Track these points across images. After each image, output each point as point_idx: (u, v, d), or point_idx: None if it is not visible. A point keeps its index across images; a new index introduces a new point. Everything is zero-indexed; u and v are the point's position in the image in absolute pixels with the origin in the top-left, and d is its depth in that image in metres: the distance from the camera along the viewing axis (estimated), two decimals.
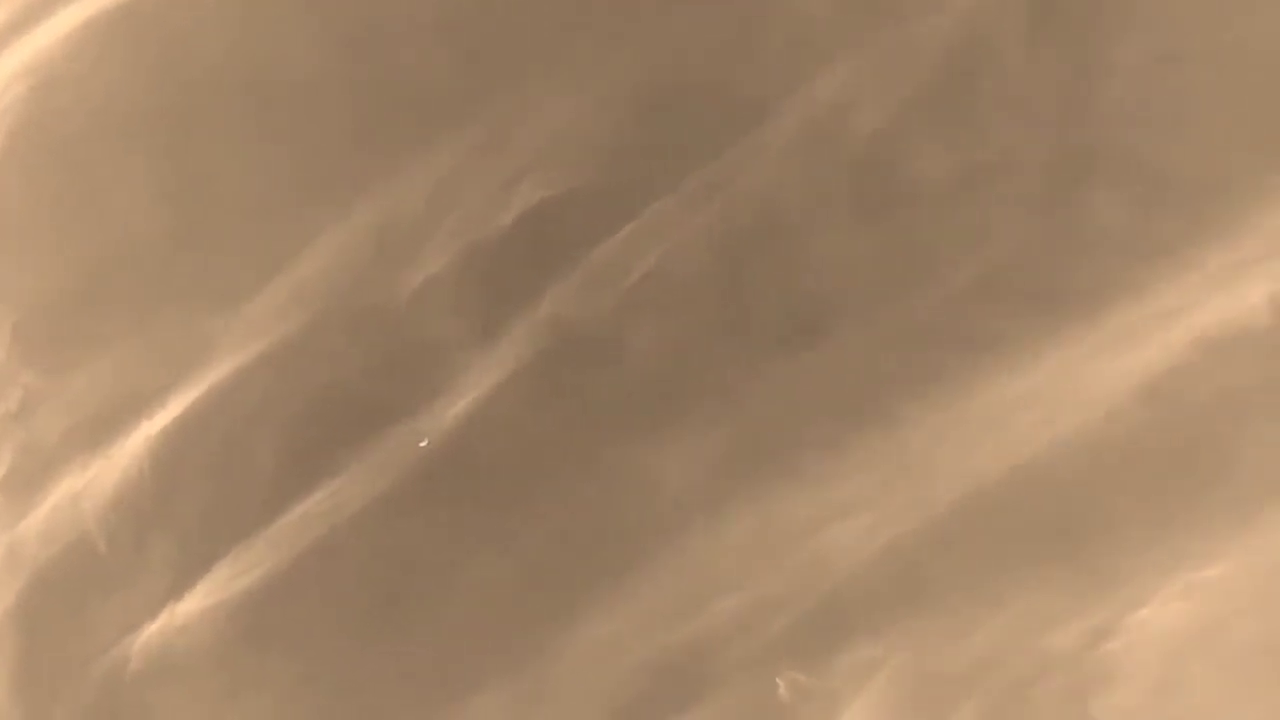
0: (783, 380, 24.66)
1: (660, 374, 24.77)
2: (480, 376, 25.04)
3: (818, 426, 24.59)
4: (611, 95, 25.99)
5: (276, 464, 25.30)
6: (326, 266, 25.79)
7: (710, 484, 24.42)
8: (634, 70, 25.88)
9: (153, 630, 24.54)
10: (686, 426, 24.56)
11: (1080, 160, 24.54)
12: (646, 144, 25.87)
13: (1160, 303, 24.26)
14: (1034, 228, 24.50)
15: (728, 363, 24.74)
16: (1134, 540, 23.90)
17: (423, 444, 25.84)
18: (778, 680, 23.55)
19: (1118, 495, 24.06)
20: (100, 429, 25.86)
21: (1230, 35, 24.08)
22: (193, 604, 24.68)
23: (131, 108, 27.09)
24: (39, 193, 26.58)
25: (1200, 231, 23.92)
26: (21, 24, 27.31)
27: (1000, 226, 24.42)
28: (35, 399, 25.85)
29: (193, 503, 25.32)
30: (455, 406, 24.87)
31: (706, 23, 26.09)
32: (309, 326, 25.58)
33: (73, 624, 24.74)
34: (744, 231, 25.33)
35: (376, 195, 26.09)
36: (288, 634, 24.43)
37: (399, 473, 24.83)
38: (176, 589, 25.08)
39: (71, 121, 26.63)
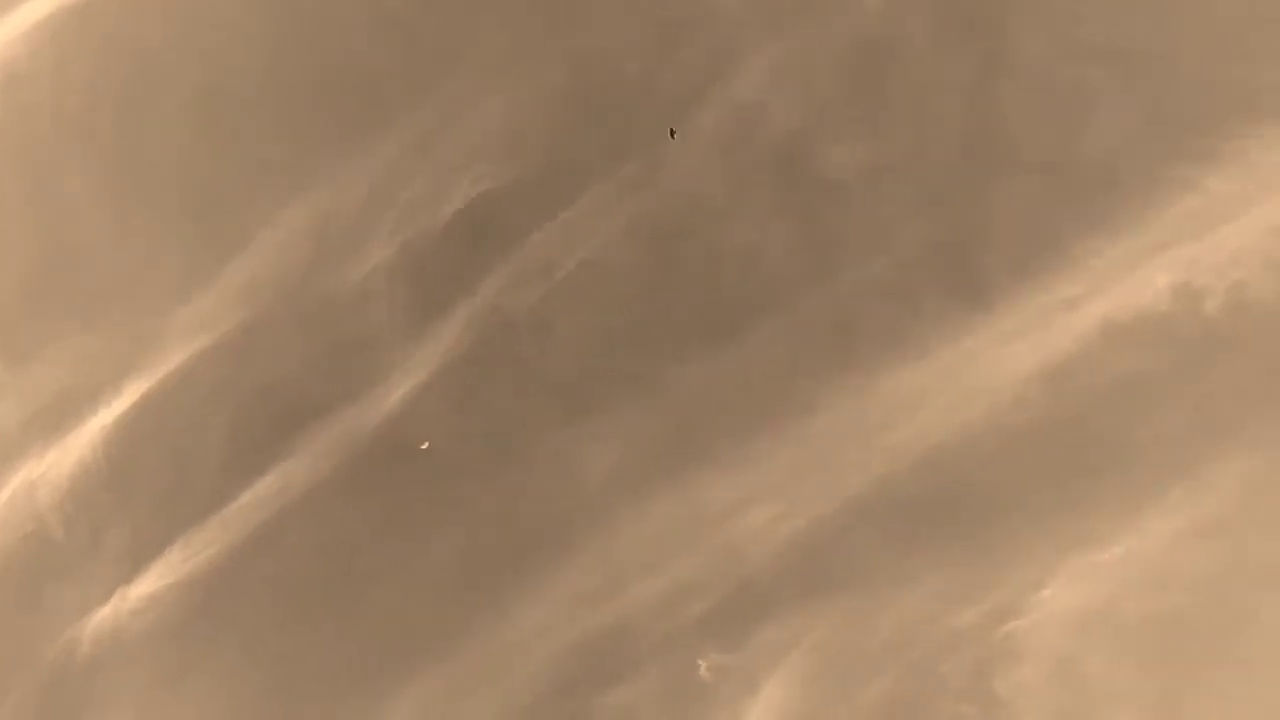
0: (703, 370, 24.93)
1: (587, 365, 25.17)
2: (416, 366, 25.47)
3: (736, 415, 24.74)
4: (543, 92, 26.35)
5: (225, 452, 25.63)
6: (270, 261, 26.05)
7: (633, 471, 24.74)
8: (564, 68, 26.33)
9: (105, 614, 24.66)
10: (611, 415, 24.87)
11: (984, 155, 24.47)
12: (577, 139, 26.27)
13: (1065, 290, 24.41)
14: (941, 219, 24.68)
15: (651, 353, 24.95)
16: (1036, 522, 24.28)
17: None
18: (699, 661, 23.23)
19: (1022, 479, 24.23)
20: (56, 419, 26.20)
21: (1127, 35, 24.10)
22: (144, 588, 25.02)
23: (88, 107, 27.01)
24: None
25: (1102, 222, 24.13)
26: None
27: (909, 219, 24.70)
28: None
29: (146, 490, 25.61)
30: (392, 396, 25.22)
31: (632, 23, 26.34)
32: (254, 319, 25.90)
33: (29, 610, 25.02)
34: (667, 225, 25.59)
35: (319, 191, 26.39)
36: (235, 616, 24.81)
37: (338, 461, 25.21)
38: (129, 574, 24.96)
39: (33, 121, 26.65)
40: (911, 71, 25.36)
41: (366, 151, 27.01)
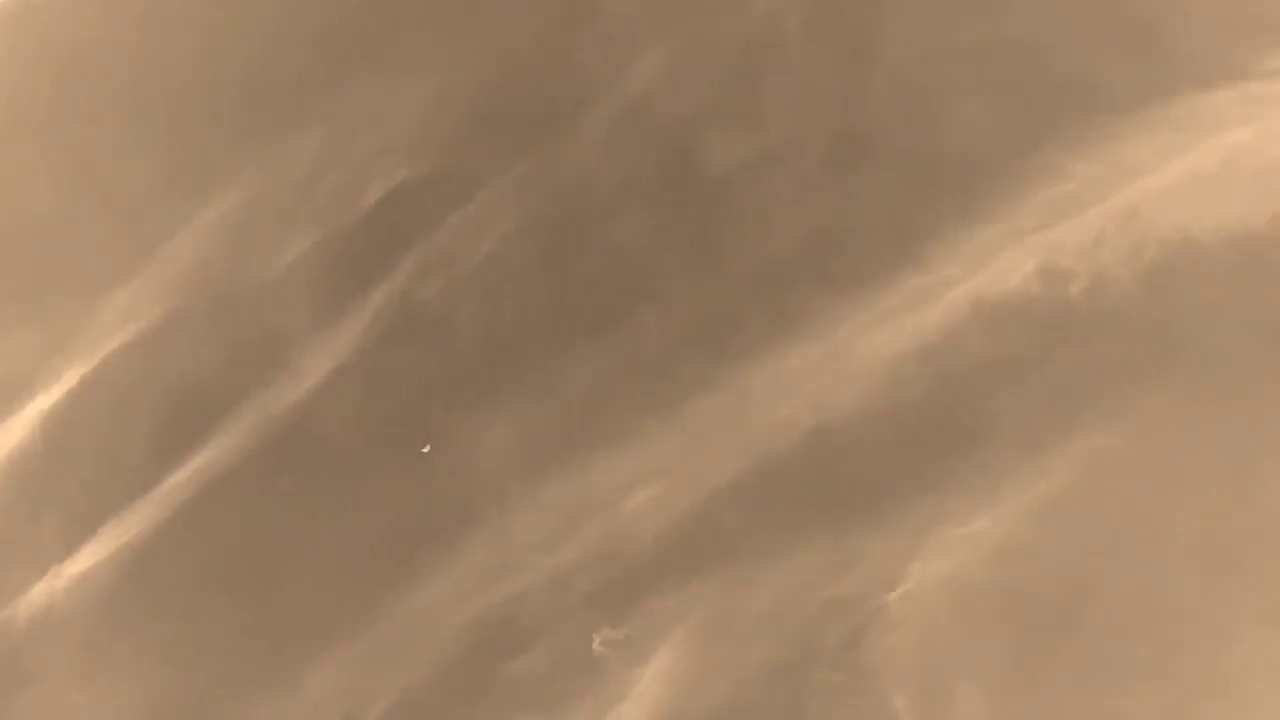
0: (592, 358, 25.56)
1: (484, 353, 25.80)
2: (327, 355, 26.15)
3: (623, 400, 25.42)
4: (449, 90, 26.74)
5: (152, 437, 26.41)
6: (193, 253, 26.86)
7: (527, 455, 25.46)
8: (469, 66, 26.79)
9: (40, 590, 25.20)
10: (507, 403, 25.59)
11: (858, 148, 24.99)
12: (480, 136, 27.00)
13: (938, 273, 24.91)
14: (818, 210, 25.28)
15: (545, 342, 25.66)
16: (905, 498, 24.87)
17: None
18: (593, 635, 23.94)
19: (893, 456, 24.80)
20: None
21: (989, 31, 24.48)
22: (77, 566, 25.54)
23: (28, 105, 27.43)
24: None
25: (972, 208, 24.69)
26: None
27: (787, 209, 25.19)
28: None
29: (79, 474, 26.30)
30: (305, 384, 25.93)
31: (530, 22, 26.75)
32: (177, 310, 26.71)
33: None
34: (561, 217, 26.25)
35: (240, 186, 27.09)
36: (163, 592, 25.63)
37: (256, 445, 25.94)
38: (63, 553, 25.46)
39: None
40: (790, 69, 25.81)
41: (285, 147, 27.13)
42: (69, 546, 25.59)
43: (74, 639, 25.40)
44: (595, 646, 23.93)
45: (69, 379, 26.10)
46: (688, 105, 25.74)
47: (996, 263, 25.02)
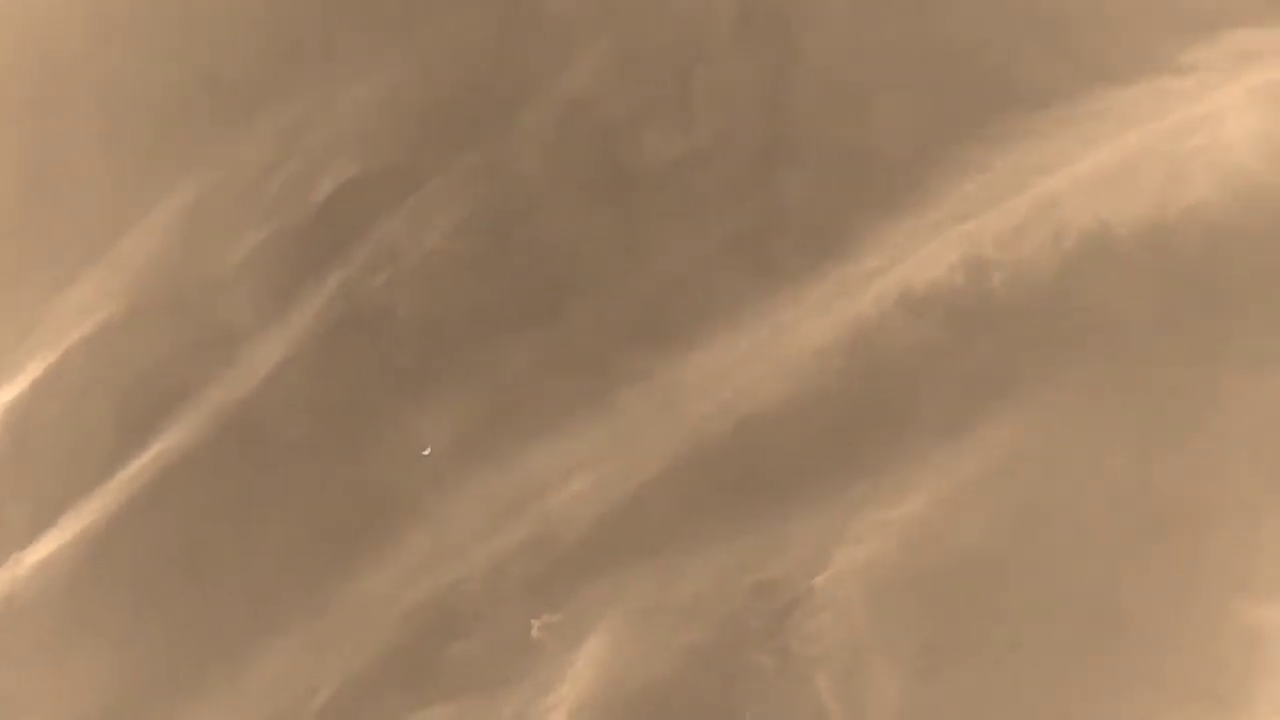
0: (529, 351, 26.08)
1: (425, 345, 26.40)
2: (276, 348, 26.67)
3: (558, 391, 26.04)
4: (395, 88, 27.28)
5: (111, 429, 27.13)
6: (149, 249, 27.51)
7: (465, 446, 25.72)
8: (413, 66, 27.27)
9: (1, 578, 25.56)
10: (446, 394, 26.06)
11: (783, 143, 25.43)
12: (424, 135, 27.40)
13: (865, 265, 25.39)
14: (746, 205, 25.83)
15: (483, 336, 26.22)
16: (834, 483, 25.29)
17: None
18: (532, 621, 24.34)
19: (822, 443, 25.21)
20: None
21: (911, 31, 24.90)
22: (39, 554, 26.02)
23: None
24: None
25: (895, 201, 25.27)
26: None
27: (717, 204, 25.65)
28: None
29: (42, 464, 26.69)
30: (255, 376, 26.37)
31: (472, 23, 27.19)
32: (132, 306, 27.20)
33: None
34: (501, 213, 26.82)
35: (195, 183, 27.72)
36: (119, 580, 26.25)
37: (206, 437, 26.49)
38: (25, 541, 26.02)
39: None
40: (719, 69, 26.27)
41: (239, 145, 27.85)
42: (31, 534, 26.04)
43: (35, 626, 25.73)
44: (534, 633, 24.06)
45: (32, 370, 26.79)
46: (622, 104, 26.11)
47: (921, 253, 25.35)
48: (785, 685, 23.81)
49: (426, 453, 26.28)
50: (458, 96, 27.64)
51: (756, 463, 25.40)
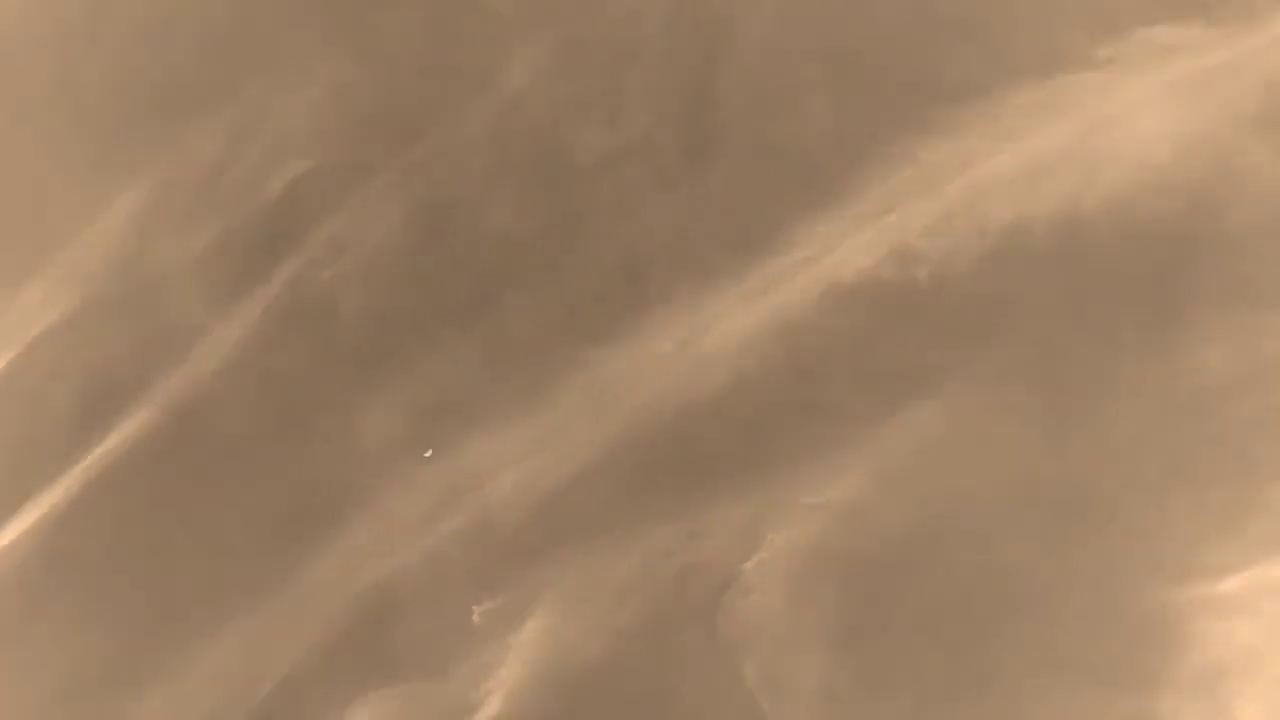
0: (466, 344, 26.61)
1: (368, 339, 26.90)
2: (223, 343, 27.41)
3: (496, 383, 26.62)
4: (339, 87, 27.72)
5: (68, 422, 27.69)
6: (104, 246, 28.07)
7: (406, 436, 26.07)
8: (356, 65, 27.79)
9: None
10: (388, 386, 26.55)
11: (712, 140, 25.92)
12: (368, 131, 28.05)
13: (794, 256, 25.91)
14: (678, 198, 26.34)
15: (423, 327, 26.69)
16: (763, 469, 25.83)
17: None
18: (473, 607, 24.95)
19: (753, 430, 25.84)
20: None
21: (837, 30, 25.55)
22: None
23: None
24: None
25: (823, 195, 25.97)
26: None
27: (647, 199, 26.19)
28: None
29: (2, 458, 26.78)
30: (204, 371, 27.07)
31: (413, 23, 27.68)
32: (90, 300, 27.91)
33: None
34: (441, 209, 27.28)
35: (148, 181, 28.09)
36: (74, 571, 27.00)
37: (158, 430, 27.06)
38: None
39: None
40: (650, 68, 26.72)
41: (190, 145, 28.39)
42: None
43: None
44: (475, 618, 24.52)
45: None
46: (557, 101, 26.64)
47: (849, 245, 25.79)
48: (714, 665, 24.33)
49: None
50: (401, 95, 28.08)
51: (688, 450, 25.77)
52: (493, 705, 25.49)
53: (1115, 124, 24.93)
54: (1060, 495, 23.48)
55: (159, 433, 27.17)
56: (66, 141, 28.38)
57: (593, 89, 26.82)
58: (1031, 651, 23.49)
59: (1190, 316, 23.55)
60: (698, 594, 25.55)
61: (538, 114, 27.08)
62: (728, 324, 25.96)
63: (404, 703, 25.81)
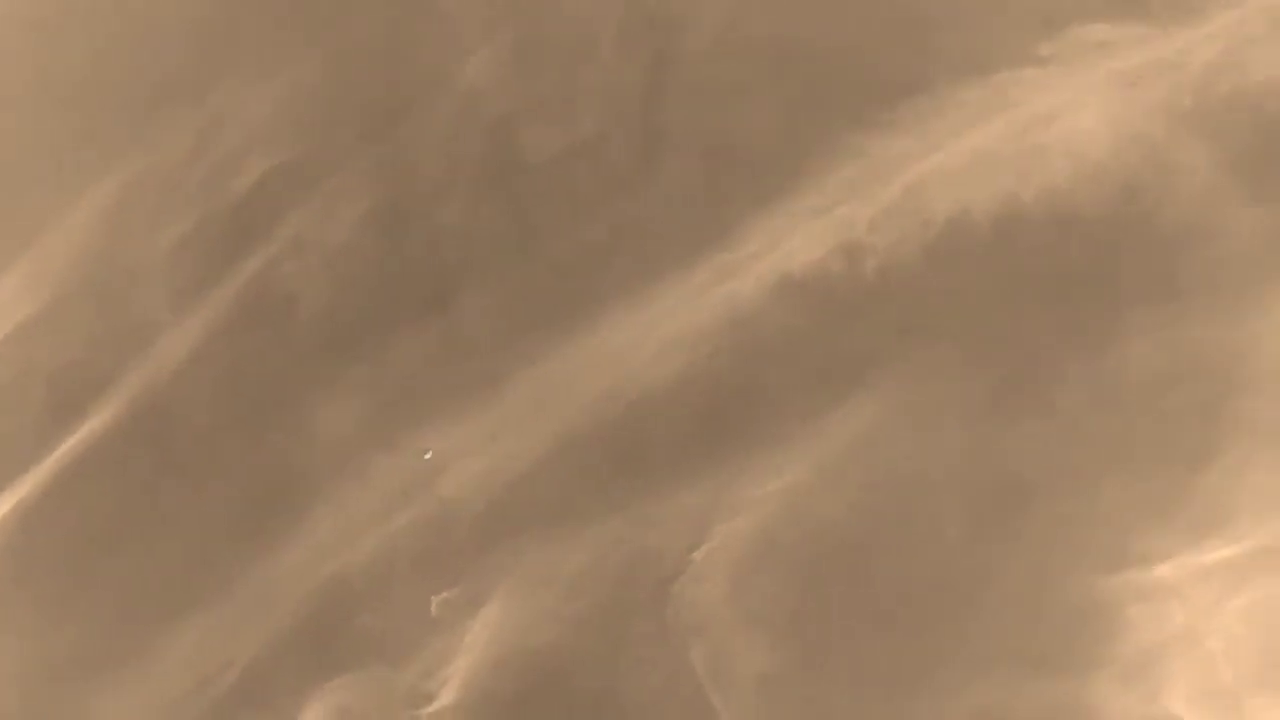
0: (425, 338, 27.21)
1: (327, 335, 27.58)
2: (186, 340, 28.13)
3: (453, 376, 27.09)
4: (301, 87, 28.26)
5: (36, 419, 28.03)
6: (71, 245, 28.51)
7: (363, 430, 26.74)
8: (317, 65, 28.45)
9: None
10: (345, 382, 27.20)
11: (662, 137, 26.45)
12: (329, 129, 28.67)
13: (744, 250, 26.52)
14: (629, 194, 26.91)
15: (380, 323, 27.27)
16: (713, 461, 26.34)
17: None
18: (431, 598, 25.53)
19: (704, 422, 26.53)
20: None
21: (784, 31, 26.13)
22: None
23: None
24: None
25: (772, 189, 26.42)
26: None
27: (601, 195, 26.64)
28: None
29: None
30: (166, 367, 27.91)
31: (371, 24, 28.27)
32: (58, 298, 28.42)
33: None
34: (398, 205, 27.79)
35: (114, 180, 28.78)
36: (37, 565, 27.62)
37: (122, 427, 27.32)
38: None
39: None
40: (601, 67, 27.06)
41: (157, 145, 28.93)
42: None
43: None
44: (433, 609, 25.10)
45: None
46: (511, 100, 27.14)
47: (799, 239, 26.20)
48: (663, 652, 24.75)
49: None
50: (361, 94, 28.58)
51: (640, 442, 26.24)
52: (449, 693, 25.96)
53: (1054, 119, 25.20)
54: (996, 484, 23.87)
55: (125, 428, 27.55)
56: (34, 139, 28.86)
57: (546, 88, 27.19)
58: (967, 637, 23.70)
59: (1120, 310, 23.95)
60: (648, 583, 25.88)
61: (493, 113, 27.43)
62: (679, 318, 26.23)
63: (363, 690, 26.22)
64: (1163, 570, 23.35)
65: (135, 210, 28.93)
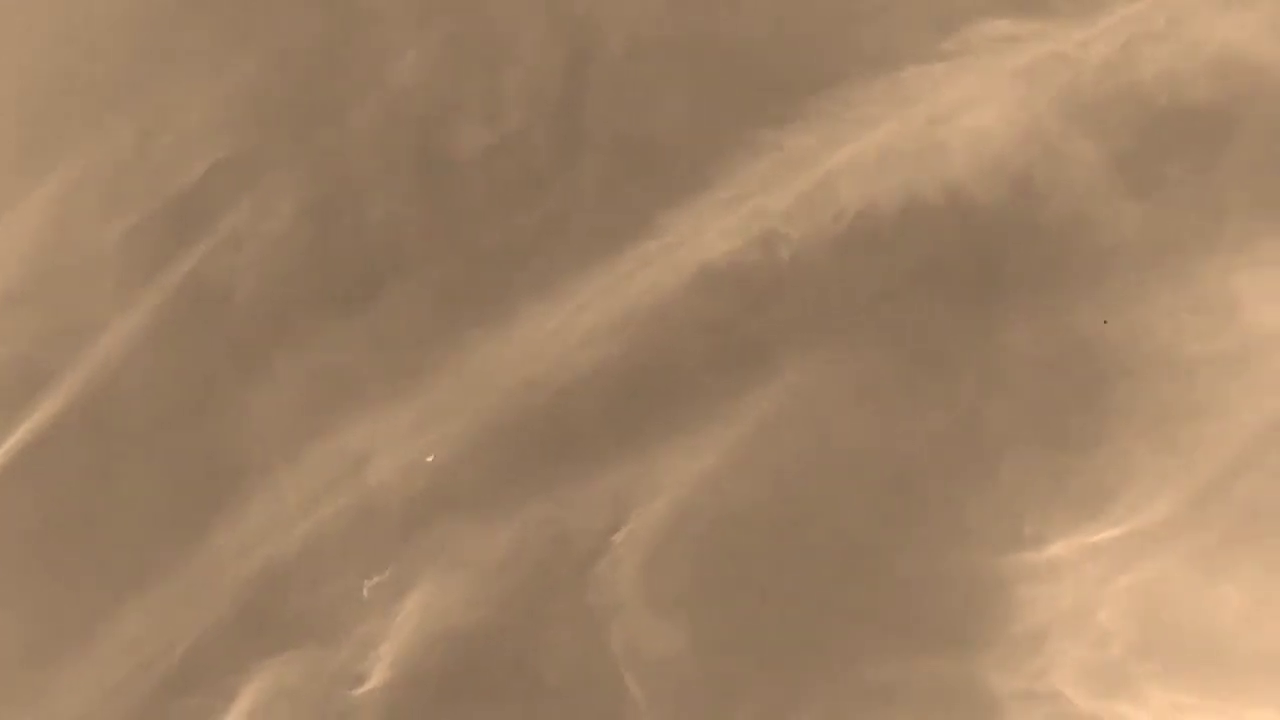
0: (355, 329, 28.06)
1: (261, 328, 28.42)
2: (127, 334, 29.01)
3: (382, 366, 28.00)
4: (239, 86, 29.27)
5: None
6: (16, 243, 29.69)
7: (294, 422, 27.63)
8: (254, 65, 29.35)
9: None
10: (277, 374, 28.01)
11: (583, 133, 27.41)
12: (265, 128, 29.51)
13: (664, 240, 27.37)
14: (551, 189, 27.91)
15: (312, 316, 28.16)
16: (634, 446, 27.33)
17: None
18: (363, 582, 26.63)
19: (625, 408, 27.53)
20: None
21: (702, 30, 27.34)
22: None
23: None
24: None
25: (691, 181, 27.42)
26: None
27: (524, 191, 27.55)
28: None
29: None
30: (107, 361, 28.79)
31: (306, 25, 29.32)
32: (6, 295, 28.75)
33: None
34: (327, 202, 28.81)
35: (59, 179, 29.72)
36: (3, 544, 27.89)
37: (67, 419, 28.51)
38: None
39: None
40: (524, 66, 27.97)
41: (101, 145, 29.97)
42: None
43: None
44: (364, 593, 26.14)
45: None
46: (438, 99, 27.95)
47: (715, 230, 27.04)
48: (583, 632, 25.71)
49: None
50: (297, 92, 29.51)
51: (562, 429, 27.17)
52: (380, 673, 26.55)
53: (958, 113, 25.95)
54: (896, 468, 24.74)
55: (68, 420, 28.53)
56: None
57: (472, 87, 28.02)
58: (866, 617, 24.54)
59: (1011, 299, 24.76)
60: (569, 565, 26.74)
61: (421, 111, 28.30)
62: (600, 309, 26.92)
63: (298, 671, 26.94)
64: (1052, 551, 24.25)
65: (81, 207, 29.70)
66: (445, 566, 27.61)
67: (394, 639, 26.82)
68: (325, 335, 28.24)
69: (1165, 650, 23.56)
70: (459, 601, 27.30)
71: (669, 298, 27.56)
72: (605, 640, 25.83)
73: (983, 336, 24.60)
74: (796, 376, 25.99)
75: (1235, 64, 25.04)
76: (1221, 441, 24.50)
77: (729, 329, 27.10)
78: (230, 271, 28.70)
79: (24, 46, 30.55)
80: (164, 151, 29.88)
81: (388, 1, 29.81)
